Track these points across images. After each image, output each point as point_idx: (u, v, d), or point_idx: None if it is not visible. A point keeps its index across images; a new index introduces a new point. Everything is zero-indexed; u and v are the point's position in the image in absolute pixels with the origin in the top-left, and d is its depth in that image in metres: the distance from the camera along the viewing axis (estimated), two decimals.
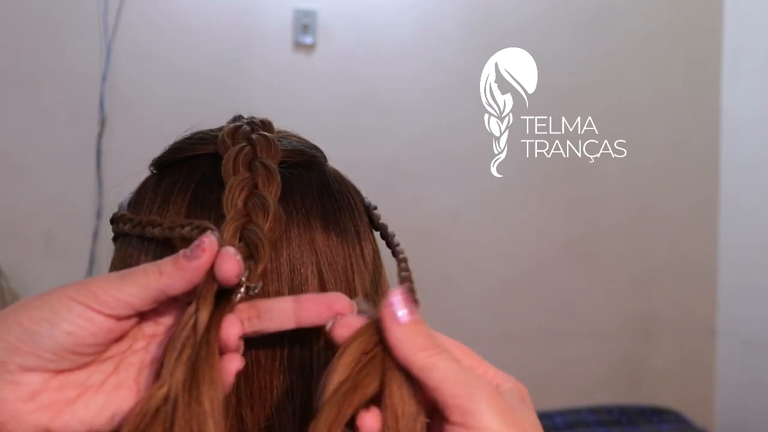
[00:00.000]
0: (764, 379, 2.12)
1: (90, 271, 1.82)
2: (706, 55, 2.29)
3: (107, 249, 0.46)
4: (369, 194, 0.49)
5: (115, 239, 0.46)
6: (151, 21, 1.90)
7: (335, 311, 0.37)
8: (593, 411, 2.08)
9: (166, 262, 0.36)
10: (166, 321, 0.38)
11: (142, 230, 0.42)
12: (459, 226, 2.11)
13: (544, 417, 2.05)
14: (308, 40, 1.97)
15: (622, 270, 2.23)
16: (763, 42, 2.16)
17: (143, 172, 0.48)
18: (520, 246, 2.15)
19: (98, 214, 1.83)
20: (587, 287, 2.20)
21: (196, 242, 0.36)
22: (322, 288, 0.42)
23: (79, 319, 0.34)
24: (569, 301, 2.18)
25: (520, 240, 2.15)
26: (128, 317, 0.36)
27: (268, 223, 0.39)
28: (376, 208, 0.49)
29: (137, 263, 0.41)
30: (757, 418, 2.14)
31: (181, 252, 0.36)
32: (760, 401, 2.12)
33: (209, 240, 0.36)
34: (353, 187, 0.48)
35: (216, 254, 0.36)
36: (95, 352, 0.36)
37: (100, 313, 0.35)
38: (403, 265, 0.41)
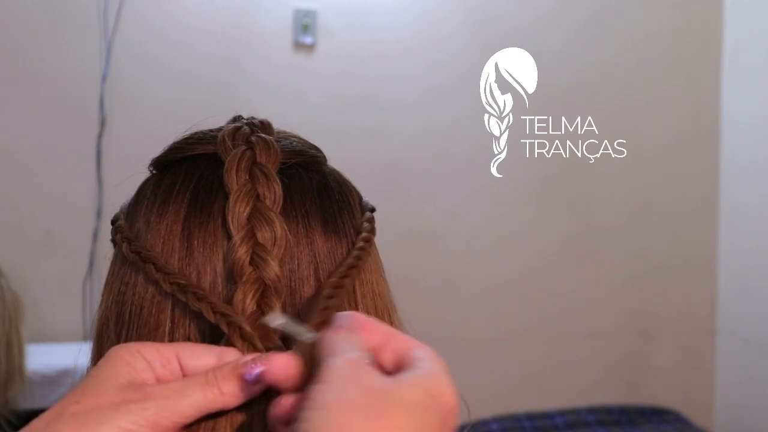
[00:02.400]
0: (764, 379, 2.11)
1: (90, 271, 1.82)
2: (706, 55, 2.29)
3: (107, 249, 0.46)
4: (369, 194, 0.49)
5: (113, 242, 0.46)
6: (151, 21, 1.90)
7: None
8: (593, 411, 2.08)
9: (226, 382, 0.36)
10: None
11: (143, 265, 0.41)
12: (459, 226, 2.11)
13: (544, 417, 2.05)
14: (308, 40, 1.97)
15: (622, 270, 2.23)
16: (763, 42, 2.15)
17: (143, 172, 0.48)
18: (520, 246, 2.15)
19: (98, 214, 1.83)
20: (587, 287, 2.20)
21: (259, 365, 0.36)
22: (319, 289, 0.42)
23: None
24: (569, 301, 2.18)
25: (520, 240, 2.15)
26: None
27: (276, 248, 0.40)
28: (374, 210, 0.48)
29: (136, 288, 0.41)
30: (757, 418, 2.14)
31: (244, 373, 0.36)
32: (760, 401, 2.12)
33: (275, 366, 0.36)
34: (353, 187, 0.48)
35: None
36: None
37: None
38: (334, 280, 0.41)
